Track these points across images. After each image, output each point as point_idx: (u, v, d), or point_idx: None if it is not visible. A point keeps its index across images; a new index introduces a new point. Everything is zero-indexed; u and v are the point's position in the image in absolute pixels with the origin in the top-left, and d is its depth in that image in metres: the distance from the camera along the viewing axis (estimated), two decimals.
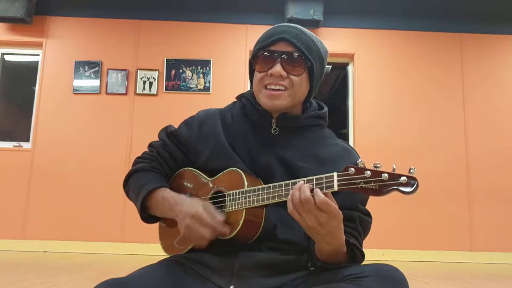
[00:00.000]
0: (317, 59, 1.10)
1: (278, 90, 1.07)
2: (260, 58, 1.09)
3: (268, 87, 1.08)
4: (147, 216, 1.12)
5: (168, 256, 1.11)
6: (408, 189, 0.81)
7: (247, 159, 1.09)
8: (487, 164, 4.78)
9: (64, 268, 3.20)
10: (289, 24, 1.13)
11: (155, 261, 1.04)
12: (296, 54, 1.06)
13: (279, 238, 1.03)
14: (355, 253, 0.97)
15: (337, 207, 0.87)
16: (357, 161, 0.86)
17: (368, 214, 1.07)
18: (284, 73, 1.06)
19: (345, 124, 5.04)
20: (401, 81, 4.95)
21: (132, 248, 4.43)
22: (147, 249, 4.21)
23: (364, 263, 0.96)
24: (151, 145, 1.21)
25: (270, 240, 1.03)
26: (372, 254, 4.30)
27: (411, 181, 0.81)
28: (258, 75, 1.10)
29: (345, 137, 4.96)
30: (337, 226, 0.89)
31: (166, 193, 1.07)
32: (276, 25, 1.13)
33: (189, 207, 1.00)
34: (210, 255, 1.02)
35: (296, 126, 1.12)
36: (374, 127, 4.83)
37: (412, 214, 4.57)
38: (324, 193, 0.86)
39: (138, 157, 1.20)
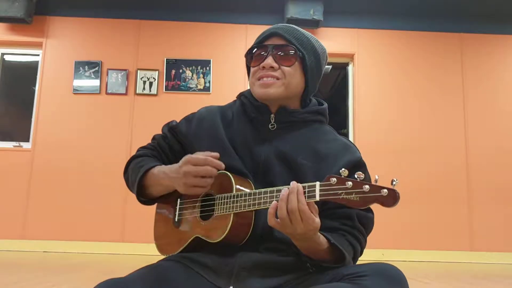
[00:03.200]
0: (310, 53, 1.13)
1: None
2: (254, 54, 1.14)
3: (260, 79, 1.11)
4: (144, 198, 1.16)
5: (165, 256, 1.11)
6: (389, 202, 0.80)
7: (247, 156, 1.10)
8: (487, 164, 4.78)
9: (64, 268, 3.20)
10: (284, 23, 1.17)
11: (155, 261, 1.04)
12: (287, 46, 1.10)
13: (278, 239, 1.03)
14: (341, 252, 0.96)
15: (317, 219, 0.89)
16: (340, 171, 0.85)
17: (369, 210, 1.06)
18: (275, 65, 1.09)
19: (345, 124, 5.05)
20: (401, 81, 4.95)
21: (132, 248, 4.44)
22: (147, 249, 4.20)
23: (364, 263, 0.96)
24: (153, 138, 1.26)
25: (268, 240, 1.03)
26: (372, 254, 4.30)
27: (393, 194, 0.80)
28: (252, 70, 1.14)
29: (345, 137, 4.96)
30: (311, 237, 0.92)
31: (161, 167, 1.11)
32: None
33: (178, 163, 1.04)
34: (209, 255, 1.02)
35: (295, 121, 1.13)
36: (374, 127, 4.83)
37: (412, 214, 4.57)
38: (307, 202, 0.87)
39: (140, 147, 1.26)
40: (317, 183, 0.86)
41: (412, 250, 4.55)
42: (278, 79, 1.09)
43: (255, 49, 1.13)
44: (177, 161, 1.17)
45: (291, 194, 0.87)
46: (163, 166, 1.11)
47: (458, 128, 4.86)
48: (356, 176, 0.83)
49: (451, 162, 4.78)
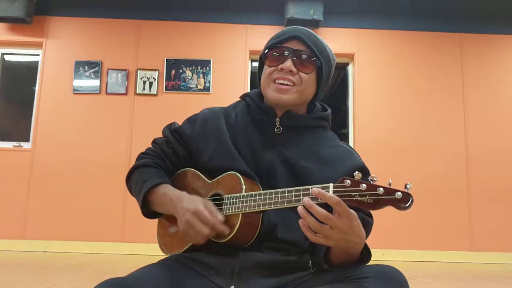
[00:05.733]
0: (326, 62, 1.13)
1: (287, 85, 1.08)
2: (272, 53, 1.11)
3: (276, 81, 1.09)
4: (148, 212, 1.13)
5: (168, 255, 1.11)
6: (402, 205, 0.80)
7: (250, 158, 1.09)
8: (487, 164, 4.78)
9: (64, 268, 3.20)
10: (302, 27, 1.15)
11: (155, 261, 1.04)
12: (308, 53, 1.09)
13: (280, 238, 1.03)
14: (362, 253, 0.97)
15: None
16: (354, 174, 0.84)
17: (369, 215, 1.06)
18: (294, 69, 1.07)
19: (345, 124, 5.05)
20: (401, 81, 4.95)
21: (132, 248, 4.44)
22: (147, 249, 4.21)
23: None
24: (154, 142, 1.22)
25: (270, 240, 1.03)
26: (372, 254, 4.30)
27: (406, 197, 0.80)
28: (267, 70, 1.11)
29: (345, 137, 4.96)
30: (358, 224, 0.87)
31: (167, 189, 1.07)
32: (290, 26, 1.16)
33: (190, 203, 1.00)
34: (211, 255, 1.02)
35: (300, 125, 1.13)
36: (374, 127, 4.83)
37: (412, 214, 4.56)
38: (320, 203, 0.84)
39: (141, 153, 1.21)
40: (331, 185, 0.85)
41: (412, 250, 4.55)
42: (294, 84, 1.08)
43: (274, 49, 1.11)
44: (182, 166, 1.17)
45: (311, 208, 0.83)
46: (169, 187, 1.08)
47: (458, 128, 4.86)
48: (369, 178, 0.83)
49: (451, 162, 4.78)
